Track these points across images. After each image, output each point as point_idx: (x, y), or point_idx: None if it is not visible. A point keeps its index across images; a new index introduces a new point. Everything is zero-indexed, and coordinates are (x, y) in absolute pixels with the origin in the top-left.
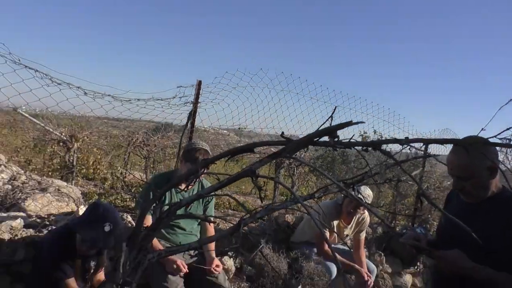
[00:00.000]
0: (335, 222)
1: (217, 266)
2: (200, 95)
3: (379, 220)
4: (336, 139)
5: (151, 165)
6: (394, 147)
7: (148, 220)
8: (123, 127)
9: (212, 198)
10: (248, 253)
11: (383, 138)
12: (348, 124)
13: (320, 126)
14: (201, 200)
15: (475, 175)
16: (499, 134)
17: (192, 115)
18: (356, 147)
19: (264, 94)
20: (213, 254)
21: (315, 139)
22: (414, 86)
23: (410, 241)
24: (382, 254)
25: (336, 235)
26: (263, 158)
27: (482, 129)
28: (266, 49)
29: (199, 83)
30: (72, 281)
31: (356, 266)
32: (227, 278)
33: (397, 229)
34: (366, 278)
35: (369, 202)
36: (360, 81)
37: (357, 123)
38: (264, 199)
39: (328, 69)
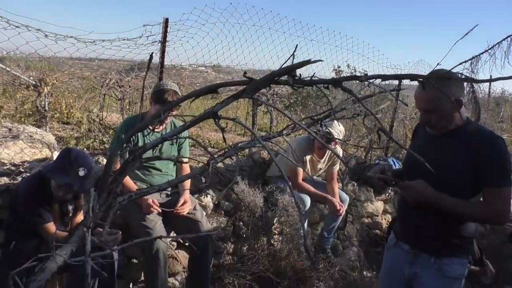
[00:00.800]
0: (308, 157)
1: (183, 204)
2: (168, 34)
3: (353, 152)
4: (296, 77)
5: (127, 107)
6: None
7: (117, 164)
8: (97, 67)
9: (185, 139)
10: (224, 189)
11: (355, 73)
12: (307, 62)
13: (282, 65)
14: (174, 141)
15: (440, 107)
16: (452, 68)
17: (161, 54)
18: (316, 85)
19: (235, 30)
20: (186, 193)
21: (276, 78)
22: (390, 20)
23: (377, 174)
24: (355, 184)
25: (309, 168)
26: (224, 99)
27: (438, 63)
28: None
29: (166, 20)
30: (50, 225)
31: (329, 196)
32: (205, 214)
33: (372, 161)
34: (338, 207)
35: (341, 137)
36: (335, 16)
37: (316, 61)
38: (245, 135)
39: (303, 3)
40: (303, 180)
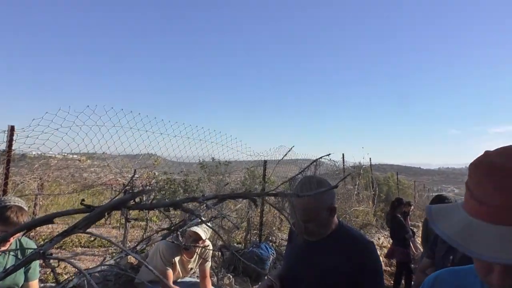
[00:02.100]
0: (177, 258)
1: None
2: (14, 142)
3: (225, 242)
4: (136, 203)
5: None
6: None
7: None
8: None
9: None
10: None
11: (219, 165)
12: (140, 193)
13: (119, 193)
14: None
15: (318, 216)
16: (276, 188)
17: (6, 164)
18: (159, 208)
19: (93, 132)
20: None
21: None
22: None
23: None
24: (231, 276)
25: (180, 270)
26: (53, 237)
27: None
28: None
29: (12, 128)
30: None
31: None
32: None
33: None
34: None
35: (208, 234)
36: (203, 112)
37: (149, 191)
38: (120, 228)
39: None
40: (175, 282)
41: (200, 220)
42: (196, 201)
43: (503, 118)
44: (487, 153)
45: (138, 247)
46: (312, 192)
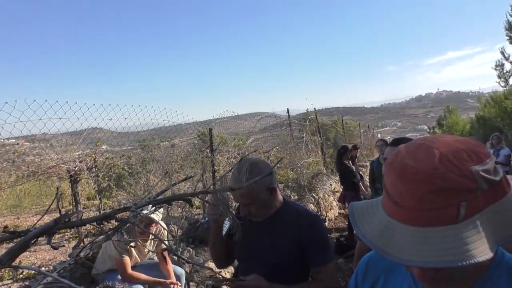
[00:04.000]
0: (132, 243)
1: None
2: None
3: (184, 214)
4: (65, 222)
5: None
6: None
7: None
8: None
9: None
10: None
11: None
12: (64, 217)
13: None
14: None
15: (257, 199)
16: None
17: None
18: (92, 223)
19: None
20: None
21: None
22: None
23: (213, 280)
24: (191, 249)
25: (137, 254)
26: None
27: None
28: None
29: None
30: None
31: (161, 280)
32: None
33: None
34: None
35: (160, 217)
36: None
37: (71, 214)
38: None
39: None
40: (134, 267)
41: (149, 210)
42: (128, 210)
43: (435, 50)
44: (400, 150)
45: (81, 254)
46: (244, 184)
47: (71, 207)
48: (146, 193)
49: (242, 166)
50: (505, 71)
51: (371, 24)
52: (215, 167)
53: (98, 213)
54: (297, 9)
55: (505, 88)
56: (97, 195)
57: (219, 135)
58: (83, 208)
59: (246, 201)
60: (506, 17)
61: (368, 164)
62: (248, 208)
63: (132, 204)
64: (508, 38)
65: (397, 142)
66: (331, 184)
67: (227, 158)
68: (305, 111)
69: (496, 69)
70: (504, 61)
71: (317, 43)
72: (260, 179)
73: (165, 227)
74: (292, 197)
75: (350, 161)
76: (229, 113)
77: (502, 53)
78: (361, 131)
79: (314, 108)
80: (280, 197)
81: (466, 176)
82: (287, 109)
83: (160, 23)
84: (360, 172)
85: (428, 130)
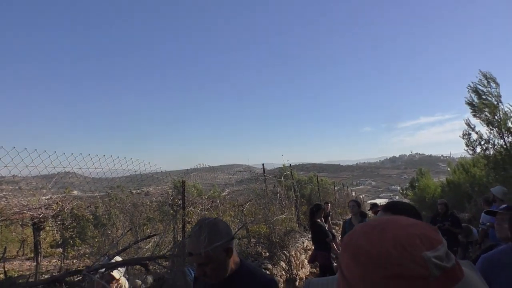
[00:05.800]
0: None
1: None
2: None
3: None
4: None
5: None
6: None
7: None
8: None
9: None
10: None
11: None
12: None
13: None
14: None
15: (212, 259)
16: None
17: None
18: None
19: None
20: None
21: None
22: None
23: None
24: None
25: None
26: None
27: None
28: None
29: None
30: None
31: None
32: None
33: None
34: None
35: (122, 273)
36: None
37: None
38: None
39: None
40: None
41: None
42: (80, 274)
43: (408, 115)
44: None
45: None
46: (203, 250)
47: (33, 255)
48: (107, 249)
49: (201, 230)
50: (472, 140)
51: (348, 84)
52: (187, 219)
53: (60, 262)
54: (276, 67)
55: (473, 156)
56: (60, 244)
57: (194, 186)
58: (44, 256)
59: (201, 261)
60: (468, 92)
61: (341, 222)
62: (203, 268)
63: (84, 268)
64: (471, 111)
65: (390, 207)
66: (303, 242)
67: (200, 210)
68: (281, 166)
69: (463, 138)
70: (471, 131)
71: (294, 100)
72: (221, 245)
73: (127, 283)
74: (263, 254)
75: (323, 219)
76: (203, 165)
77: (468, 124)
78: (336, 188)
79: (290, 165)
80: (237, 258)
81: (417, 262)
82: (263, 164)
83: (132, 76)
84: (333, 231)
85: (401, 191)
